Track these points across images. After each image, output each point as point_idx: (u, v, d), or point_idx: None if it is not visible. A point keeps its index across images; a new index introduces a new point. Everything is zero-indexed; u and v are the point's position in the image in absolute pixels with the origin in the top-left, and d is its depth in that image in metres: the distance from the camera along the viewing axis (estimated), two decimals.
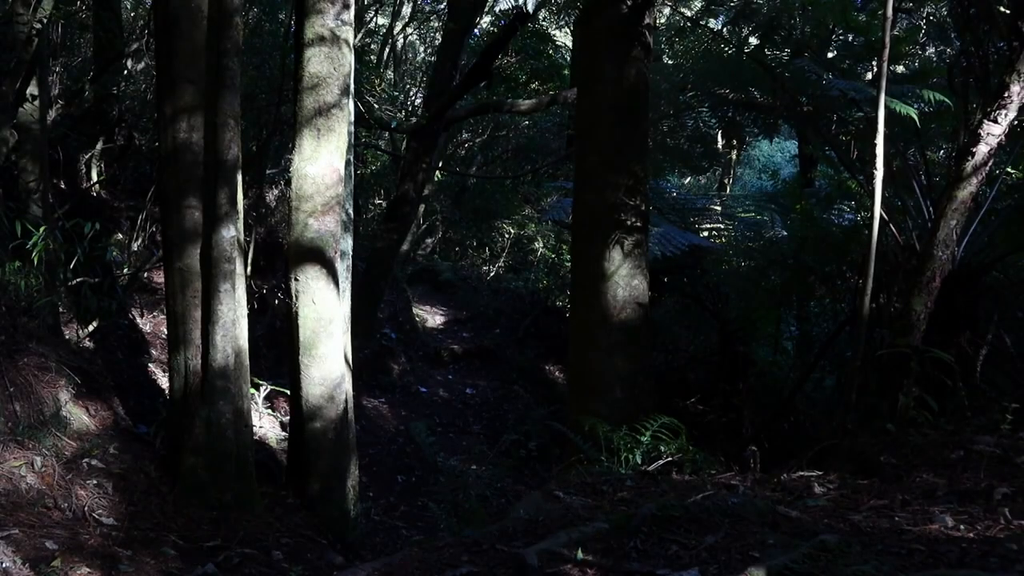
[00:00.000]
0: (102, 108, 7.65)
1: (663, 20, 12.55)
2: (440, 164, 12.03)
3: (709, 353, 7.82)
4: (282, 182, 8.93)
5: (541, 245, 12.16)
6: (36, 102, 5.14)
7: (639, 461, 3.66)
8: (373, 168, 13.06)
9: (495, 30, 11.39)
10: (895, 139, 5.22)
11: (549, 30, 12.60)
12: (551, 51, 11.56)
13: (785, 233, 7.56)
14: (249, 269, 3.96)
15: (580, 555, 1.77)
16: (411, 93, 14.66)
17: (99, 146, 7.43)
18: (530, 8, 6.50)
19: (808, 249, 6.53)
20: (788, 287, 6.95)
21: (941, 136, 6.38)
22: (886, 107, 3.68)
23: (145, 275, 6.59)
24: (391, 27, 14.99)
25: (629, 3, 4.98)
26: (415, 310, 10.08)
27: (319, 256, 4.20)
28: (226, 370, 3.72)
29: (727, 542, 1.80)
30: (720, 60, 7.11)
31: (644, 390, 5.00)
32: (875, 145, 3.57)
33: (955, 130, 5.15)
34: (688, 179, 15.82)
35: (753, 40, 8.10)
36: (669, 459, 3.59)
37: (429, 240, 13.70)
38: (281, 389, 6.01)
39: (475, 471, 6.09)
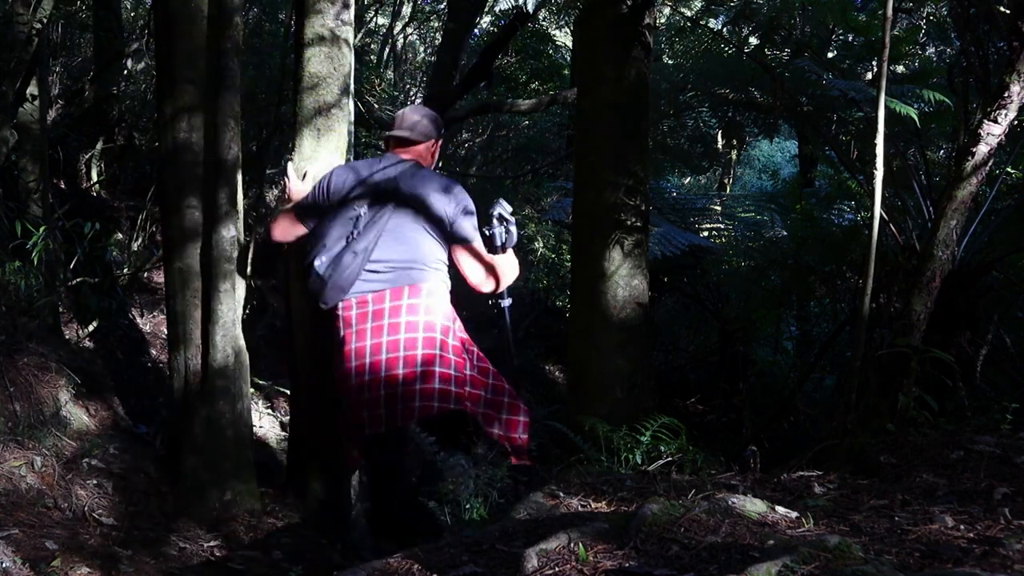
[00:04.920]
0: (102, 108, 7.65)
1: (663, 20, 12.55)
2: (440, 164, 12.04)
3: (709, 353, 7.83)
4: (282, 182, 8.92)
5: (541, 245, 12.15)
6: (36, 102, 5.14)
7: (639, 461, 3.66)
8: None
9: (495, 30, 11.40)
10: (895, 139, 5.22)
11: (549, 30, 12.61)
12: (551, 51, 11.56)
13: (785, 233, 7.57)
14: (249, 269, 3.95)
15: (580, 555, 1.77)
16: (411, 93, 14.66)
17: (99, 146, 7.43)
18: (530, 8, 6.49)
19: (808, 249, 6.54)
20: (788, 287, 6.95)
21: (941, 136, 6.39)
22: (886, 107, 3.67)
23: (145, 275, 6.59)
24: (391, 27, 14.99)
25: (629, 3, 4.98)
26: None
27: None
28: (226, 370, 3.72)
29: (727, 542, 1.80)
30: (720, 60, 7.11)
31: (644, 390, 5.00)
32: (875, 145, 3.56)
33: (955, 130, 5.16)
34: (688, 179, 15.82)
35: (753, 40, 8.10)
36: (669, 459, 3.59)
37: None
38: (281, 389, 6.01)
39: (475, 471, 6.08)
